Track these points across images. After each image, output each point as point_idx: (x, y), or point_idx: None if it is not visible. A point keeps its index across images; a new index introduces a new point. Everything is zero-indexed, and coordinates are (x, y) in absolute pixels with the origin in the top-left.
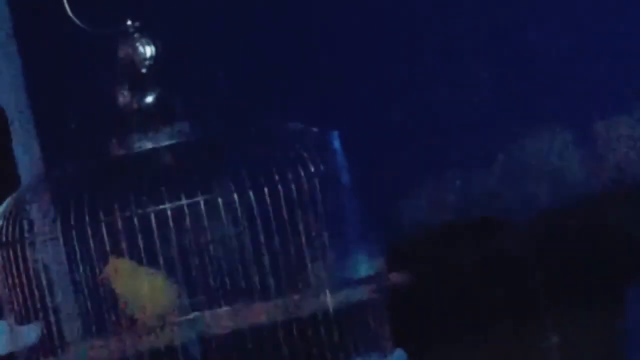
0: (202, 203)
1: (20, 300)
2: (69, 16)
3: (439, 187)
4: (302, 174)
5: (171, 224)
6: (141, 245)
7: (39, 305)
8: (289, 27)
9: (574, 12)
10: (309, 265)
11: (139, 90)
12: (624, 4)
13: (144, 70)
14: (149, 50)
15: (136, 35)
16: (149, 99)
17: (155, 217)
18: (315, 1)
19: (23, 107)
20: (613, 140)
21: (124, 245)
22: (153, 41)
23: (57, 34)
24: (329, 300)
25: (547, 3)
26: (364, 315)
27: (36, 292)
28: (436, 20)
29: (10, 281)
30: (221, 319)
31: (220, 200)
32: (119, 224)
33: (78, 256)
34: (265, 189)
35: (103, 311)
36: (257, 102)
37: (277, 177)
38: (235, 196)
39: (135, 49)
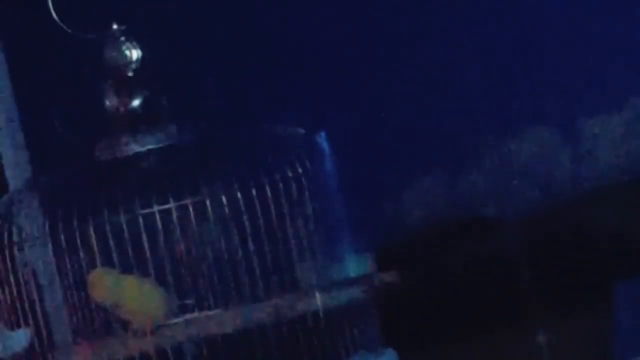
0: (190, 205)
1: (10, 305)
2: (54, 21)
3: (428, 187)
4: (290, 175)
5: (160, 226)
6: (129, 249)
7: (28, 310)
8: (275, 29)
9: (562, 12)
10: (298, 266)
11: (126, 94)
12: (612, 3)
13: (130, 74)
14: (135, 54)
15: (122, 38)
16: (136, 102)
17: (144, 220)
18: (301, 4)
19: (11, 113)
20: (602, 139)
21: (112, 248)
22: (139, 44)
23: (44, 40)
24: (319, 301)
25: (537, 3)
26: (354, 316)
27: (25, 297)
28: (425, 21)
29: None
30: (211, 322)
31: (208, 202)
32: (107, 227)
33: (67, 260)
34: (254, 191)
35: (93, 316)
36: (244, 104)
37: (265, 179)
38: (224, 198)
39: (121, 52)
